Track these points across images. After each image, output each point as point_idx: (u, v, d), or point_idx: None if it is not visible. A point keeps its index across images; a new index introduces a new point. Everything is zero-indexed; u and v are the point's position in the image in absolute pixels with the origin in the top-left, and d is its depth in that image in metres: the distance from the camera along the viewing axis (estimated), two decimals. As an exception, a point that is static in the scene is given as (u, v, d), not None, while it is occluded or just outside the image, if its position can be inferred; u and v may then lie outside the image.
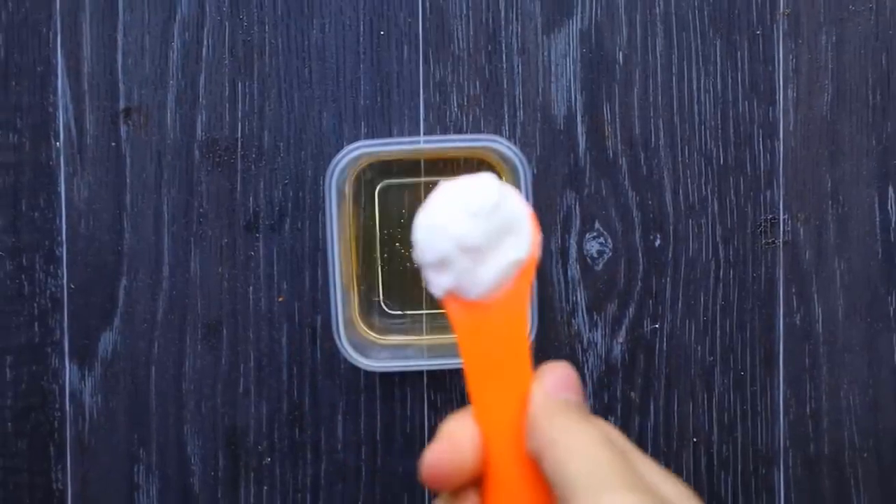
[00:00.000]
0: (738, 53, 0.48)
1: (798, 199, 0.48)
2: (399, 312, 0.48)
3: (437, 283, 0.29)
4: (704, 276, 0.48)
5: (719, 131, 0.48)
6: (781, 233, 0.48)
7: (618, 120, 0.48)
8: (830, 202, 0.48)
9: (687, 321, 0.48)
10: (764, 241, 0.48)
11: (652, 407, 0.48)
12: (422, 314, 0.48)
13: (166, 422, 0.48)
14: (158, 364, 0.48)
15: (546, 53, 0.48)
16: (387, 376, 0.48)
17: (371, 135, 0.48)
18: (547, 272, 0.48)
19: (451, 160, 0.47)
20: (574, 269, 0.48)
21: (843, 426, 0.48)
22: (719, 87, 0.48)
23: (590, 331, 0.48)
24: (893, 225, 0.48)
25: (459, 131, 0.48)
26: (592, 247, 0.48)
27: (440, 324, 0.47)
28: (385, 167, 0.47)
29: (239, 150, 0.48)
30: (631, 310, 0.48)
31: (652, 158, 0.48)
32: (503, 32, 0.48)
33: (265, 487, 0.48)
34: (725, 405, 0.48)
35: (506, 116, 0.48)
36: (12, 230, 0.48)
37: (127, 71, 0.48)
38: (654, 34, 0.48)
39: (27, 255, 0.48)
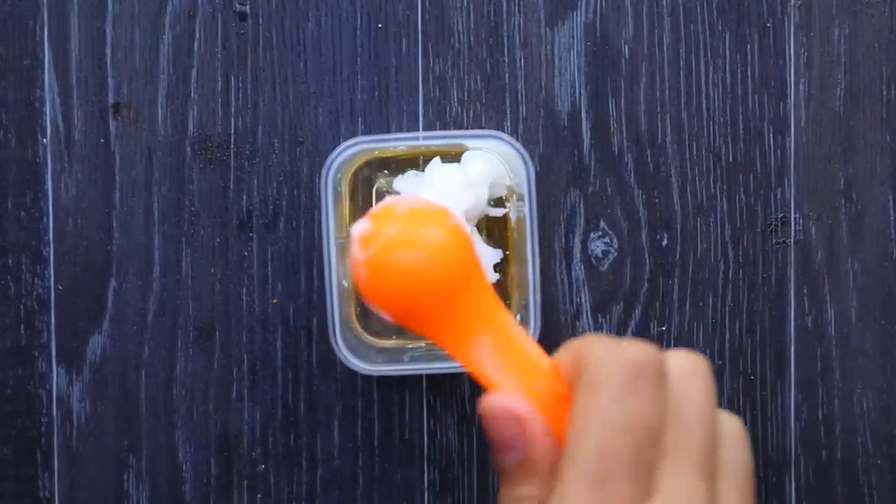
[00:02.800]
0: (748, 47, 0.47)
1: (810, 198, 0.47)
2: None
3: None
4: (713, 276, 0.47)
5: (728, 127, 0.47)
6: (792, 232, 0.47)
7: (623, 115, 0.47)
8: (843, 200, 0.47)
9: (695, 323, 0.47)
10: (774, 241, 0.47)
11: (659, 412, 0.47)
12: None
13: (157, 427, 0.47)
14: (149, 368, 0.47)
15: (549, 47, 0.47)
16: (384, 380, 0.47)
17: (368, 131, 0.47)
18: (551, 273, 0.47)
19: (451, 157, 0.46)
20: (578, 270, 0.47)
21: (856, 432, 0.47)
22: (728, 81, 0.47)
23: (595, 333, 0.47)
24: (908, 224, 0.47)
25: (460, 127, 0.47)
26: (597, 246, 0.47)
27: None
28: (383, 164, 0.46)
29: (232, 146, 0.47)
30: (637, 311, 0.47)
31: (659, 155, 0.47)
32: (505, 25, 0.47)
33: (259, 495, 0.47)
34: (735, 410, 0.47)
35: (508, 112, 0.47)
36: (-2, 229, 0.46)
37: (116, 65, 0.46)
38: (661, 27, 0.47)
39: (13, 256, 0.46)
